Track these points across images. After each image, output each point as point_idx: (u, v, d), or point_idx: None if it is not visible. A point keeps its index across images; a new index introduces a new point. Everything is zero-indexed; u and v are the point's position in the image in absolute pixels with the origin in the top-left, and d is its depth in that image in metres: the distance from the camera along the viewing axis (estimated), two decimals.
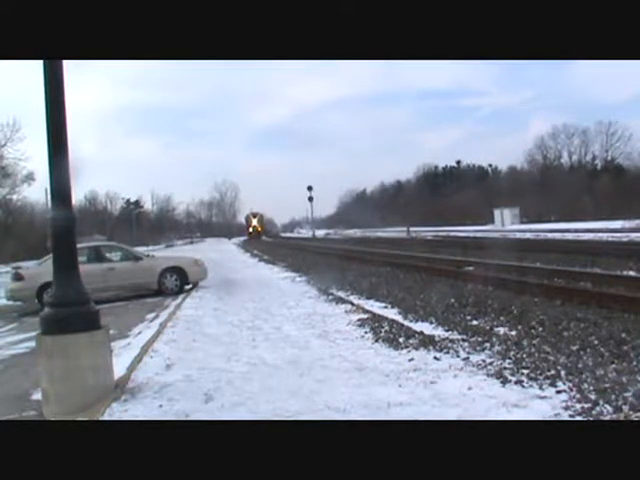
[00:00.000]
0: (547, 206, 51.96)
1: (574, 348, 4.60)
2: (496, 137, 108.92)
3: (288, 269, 16.22)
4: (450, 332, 5.76)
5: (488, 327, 5.81)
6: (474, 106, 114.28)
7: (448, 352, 4.94)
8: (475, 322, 6.15)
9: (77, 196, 66.93)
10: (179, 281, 12.47)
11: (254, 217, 78.60)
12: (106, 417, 3.80)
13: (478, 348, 4.98)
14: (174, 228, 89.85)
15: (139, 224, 74.73)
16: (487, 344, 5.06)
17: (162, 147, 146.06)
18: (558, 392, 3.64)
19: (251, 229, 76.36)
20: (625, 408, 3.21)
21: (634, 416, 3.10)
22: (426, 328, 6.05)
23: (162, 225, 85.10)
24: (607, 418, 3.13)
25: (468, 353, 4.85)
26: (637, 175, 51.63)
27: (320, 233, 60.01)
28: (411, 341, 5.45)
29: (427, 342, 5.33)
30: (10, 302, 12.18)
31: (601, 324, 5.30)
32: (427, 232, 39.94)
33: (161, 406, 3.98)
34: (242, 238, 71.70)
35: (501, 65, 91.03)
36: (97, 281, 10.70)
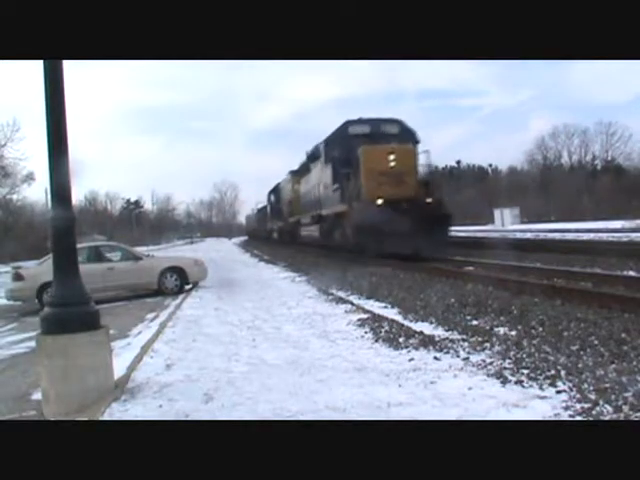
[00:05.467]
0: (547, 206, 51.95)
1: (574, 348, 4.59)
2: (496, 137, 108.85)
3: (288, 269, 16.21)
4: (450, 332, 5.75)
5: (488, 327, 5.81)
6: (474, 106, 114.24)
7: (448, 352, 4.94)
8: (475, 322, 6.15)
9: (77, 196, 66.93)
10: (179, 281, 12.48)
11: (390, 154, 14.13)
12: (106, 417, 3.79)
13: (478, 348, 4.97)
14: (174, 228, 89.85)
15: (139, 224, 74.72)
16: (487, 344, 5.06)
17: (162, 147, 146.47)
18: (558, 392, 3.64)
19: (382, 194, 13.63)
20: (625, 408, 3.21)
21: (634, 416, 3.10)
22: (426, 328, 6.04)
23: (162, 225, 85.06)
24: (607, 418, 3.13)
25: (468, 353, 4.85)
26: (637, 175, 51.64)
27: None
28: (411, 341, 5.45)
29: (427, 342, 5.32)
30: (10, 302, 12.18)
31: (601, 324, 5.30)
32: None
33: (161, 406, 3.98)
34: (242, 238, 70.00)
35: (501, 65, 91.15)
36: (97, 281, 10.69)
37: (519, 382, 3.92)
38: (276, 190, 34.70)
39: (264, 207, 45.31)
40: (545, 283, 8.01)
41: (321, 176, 18.43)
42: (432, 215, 13.11)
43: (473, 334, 5.50)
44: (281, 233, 32.83)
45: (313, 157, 20.30)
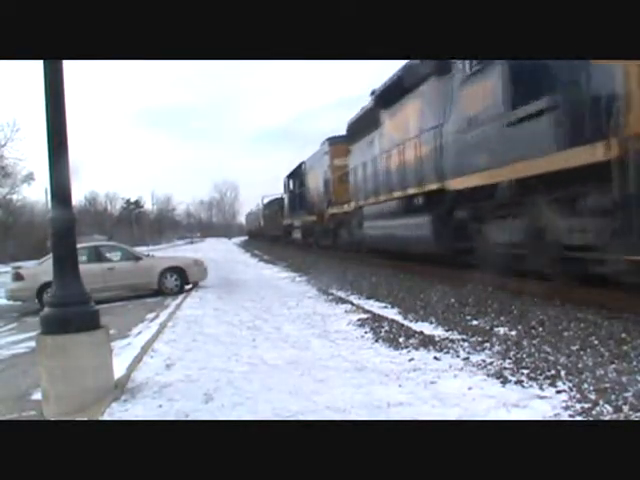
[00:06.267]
0: None
1: (574, 348, 4.59)
2: None
3: (288, 269, 16.22)
4: (450, 332, 5.75)
5: (488, 327, 5.81)
6: None
7: (448, 352, 4.94)
8: (475, 322, 6.15)
9: (77, 196, 66.98)
10: (179, 281, 12.50)
11: None
12: (106, 417, 3.80)
13: (478, 348, 4.97)
14: (174, 228, 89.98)
15: (139, 224, 74.75)
16: (487, 344, 5.06)
17: (162, 147, 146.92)
18: (558, 392, 3.63)
19: None
20: (625, 408, 3.21)
21: (634, 416, 3.10)
22: (426, 328, 6.05)
23: (162, 225, 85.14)
24: (607, 418, 3.13)
25: (468, 353, 4.85)
26: None
27: None
28: (411, 341, 5.45)
29: (427, 342, 5.32)
30: (10, 302, 12.19)
31: (601, 324, 5.30)
32: None
33: (161, 406, 3.98)
34: (243, 238, 69.98)
35: None
36: (97, 281, 10.72)
37: (519, 382, 3.92)
38: (299, 172, 24.49)
39: (275, 200, 35.30)
40: (545, 283, 7.99)
41: (451, 105, 8.67)
42: None
43: (473, 334, 5.50)
44: (309, 232, 22.56)
45: (402, 85, 10.53)
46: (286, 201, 28.61)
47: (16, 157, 39.73)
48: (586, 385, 3.67)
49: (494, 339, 5.20)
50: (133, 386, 4.56)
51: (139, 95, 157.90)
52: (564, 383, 3.78)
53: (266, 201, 40.91)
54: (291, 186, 26.93)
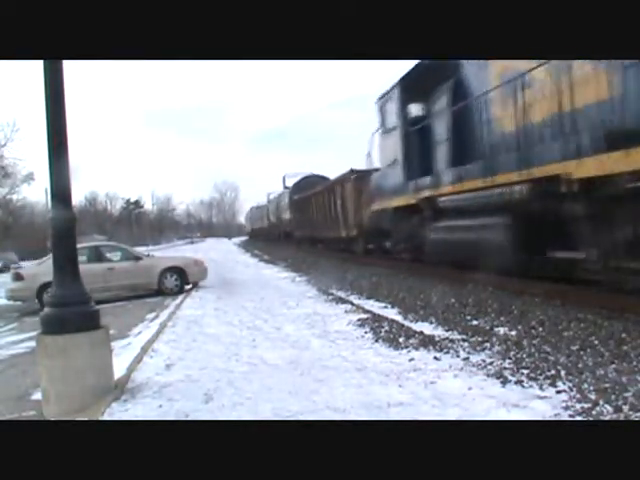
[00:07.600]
0: None
1: (574, 348, 4.59)
2: None
3: (288, 269, 16.22)
4: (450, 332, 5.75)
5: (488, 327, 5.81)
6: None
7: (448, 352, 4.94)
8: (475, 322, 6.15)
9: (77, 196, 67.00)
10: (179, 281, 12.50)
11: None
12: (106, 417, 3.80)
13: (478, 348, 4.97)
14: (174, 228, 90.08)
15: (139, 224, 74.79)
16: (487, 344, 5.06)
17: (162, 147, 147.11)
18: (558, 392, 3.64)
19: None
20: (625, 408, 3.21)
21: (634, 416, 3.10)
22: (426, 328, 6.04)
23: (162, 225, 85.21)
24: (607, 418, 3.13)
25: (468, 353, 4.85)
26: None
27: None
28: (411, 341, 5.45)
29: (427, 342, 5.32)
30: (10, 302, 12.19)
31: (601, 324, 5.30)
32: None
33: (161, 406, 3.98)
34: (243, 238, 70.01)
35: None
36: (97, 281, 10.71)
37: (519, 382, 3.92)
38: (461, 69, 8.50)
39: (314, 177, 23.97)
40: (546, 283, 7.99)
41: None
42: None
43: (473, 334, 5.49)
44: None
45: None
46: (399, 150, 11.05)
47: (16, 157, 39.78)
48: (586, 385, 3.67)
49: (494, 339, 5.20)
50: (133, 386, 4.56)
51: (139, 95, 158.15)
52: (564, 383, 3.78)
53: (291, 182, 26.37)
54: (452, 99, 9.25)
